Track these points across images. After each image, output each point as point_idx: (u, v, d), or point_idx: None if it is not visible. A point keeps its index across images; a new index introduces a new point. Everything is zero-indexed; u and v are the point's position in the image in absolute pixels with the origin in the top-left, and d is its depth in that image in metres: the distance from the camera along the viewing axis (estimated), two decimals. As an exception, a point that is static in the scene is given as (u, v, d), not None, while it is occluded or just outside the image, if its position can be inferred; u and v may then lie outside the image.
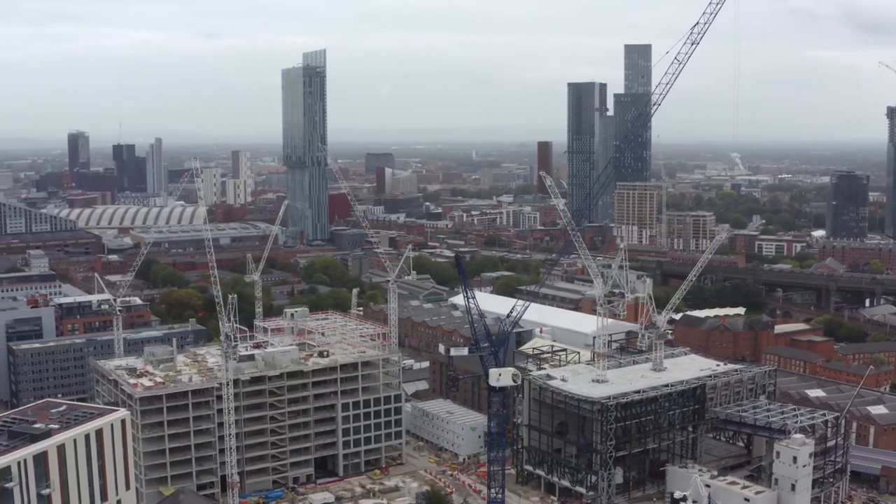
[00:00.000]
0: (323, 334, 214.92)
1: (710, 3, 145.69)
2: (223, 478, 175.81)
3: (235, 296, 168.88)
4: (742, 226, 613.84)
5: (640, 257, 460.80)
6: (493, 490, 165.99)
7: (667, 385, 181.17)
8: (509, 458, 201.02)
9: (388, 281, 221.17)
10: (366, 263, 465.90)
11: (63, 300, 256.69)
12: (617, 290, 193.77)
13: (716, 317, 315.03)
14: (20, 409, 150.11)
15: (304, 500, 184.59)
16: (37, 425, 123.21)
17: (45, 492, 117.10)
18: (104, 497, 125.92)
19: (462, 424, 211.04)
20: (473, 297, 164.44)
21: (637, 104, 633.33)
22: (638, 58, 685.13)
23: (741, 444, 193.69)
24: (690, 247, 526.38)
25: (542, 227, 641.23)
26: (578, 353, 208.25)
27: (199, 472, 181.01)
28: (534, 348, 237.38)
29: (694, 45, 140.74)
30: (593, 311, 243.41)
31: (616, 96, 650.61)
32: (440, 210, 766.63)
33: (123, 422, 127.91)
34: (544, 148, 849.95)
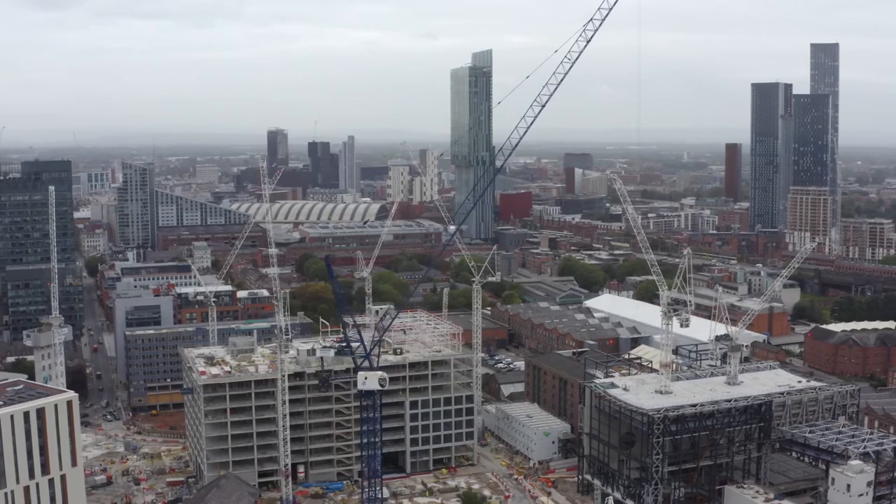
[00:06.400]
0: (405, 332, 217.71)
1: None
2: (286, 466, 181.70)
3: (287, 291, 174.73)
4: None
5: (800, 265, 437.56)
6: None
7: (729, 400, 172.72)
8: (574, 467, 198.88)
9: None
10: (514, 263, 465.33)
11: (182, 290, 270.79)
12: (683, 298, 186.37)
13: (863, 330, 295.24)
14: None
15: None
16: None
17: None
18: (46, 472, 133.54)
19: (536, 429, 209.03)
20: (342, 295, 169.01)
21: (818, 105, 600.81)
22: (825, 57, 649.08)
23: (823, 466, 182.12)
24: (866, 255, 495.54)
25: (715, 231, 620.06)
26: (651, 362, 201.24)
27: (262, 460, 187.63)
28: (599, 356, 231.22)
29: (587, 43, 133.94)
30: (724, 320, 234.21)
31: (796, 97, 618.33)
32: (619, 211, 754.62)
33: (70, 403, 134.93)
34: (732, 150, 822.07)
